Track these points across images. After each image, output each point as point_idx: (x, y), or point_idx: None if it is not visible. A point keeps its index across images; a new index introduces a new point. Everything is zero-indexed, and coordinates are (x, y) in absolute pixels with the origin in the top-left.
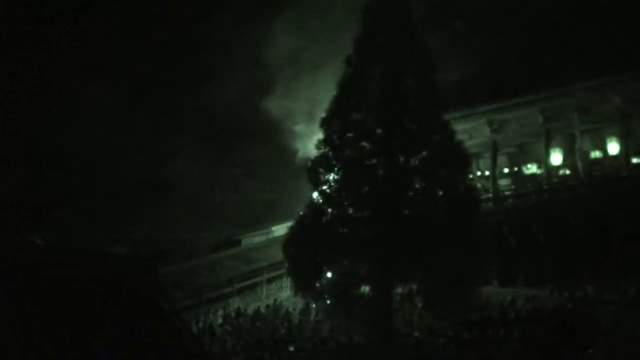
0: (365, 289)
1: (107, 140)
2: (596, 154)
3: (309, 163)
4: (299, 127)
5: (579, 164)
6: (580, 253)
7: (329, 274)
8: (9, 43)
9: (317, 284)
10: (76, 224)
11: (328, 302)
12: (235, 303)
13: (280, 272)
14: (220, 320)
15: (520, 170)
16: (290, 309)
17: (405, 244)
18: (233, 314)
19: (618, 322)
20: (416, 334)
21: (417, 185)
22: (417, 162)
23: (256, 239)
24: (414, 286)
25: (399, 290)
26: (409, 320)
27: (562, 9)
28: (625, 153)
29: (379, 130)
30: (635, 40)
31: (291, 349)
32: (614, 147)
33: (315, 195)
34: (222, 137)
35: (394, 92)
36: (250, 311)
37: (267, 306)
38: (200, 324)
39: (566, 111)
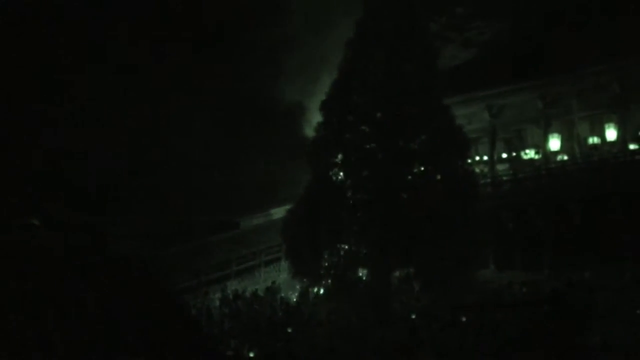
0: (363, 272)
1: (106, 121)
2: (594, 139)
3: (308, 146)
4: (303, 110)
5: (577, 150)
6: (578, 238)
7: (327, 257)
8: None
9: (315, 267)
10: (73, 207)
11: (326, 285)
12: (233, 285)
13: (278, 255)
14: (217, 303)
15: (518, 156)
16: (288, 292)
17: (404, 228)
18: (231, 296)
19: (614, 306)
20: (413, 317)
21: (416, 170)
22: (416, 146)
23: (255, 221)
24: (412, 270)
25: (397, 273)
26: (406, 304)
27: None
28: (622, 139)
29: (379, 114)
30: (635, 27)
31: (289, 330)
32: (611, 133)
33: (314, 178)
34: (226, 118)
35: (395, 76)
36: (248, 293)
37: (267, 288)
38: (198, 306)
39: (566, 97)
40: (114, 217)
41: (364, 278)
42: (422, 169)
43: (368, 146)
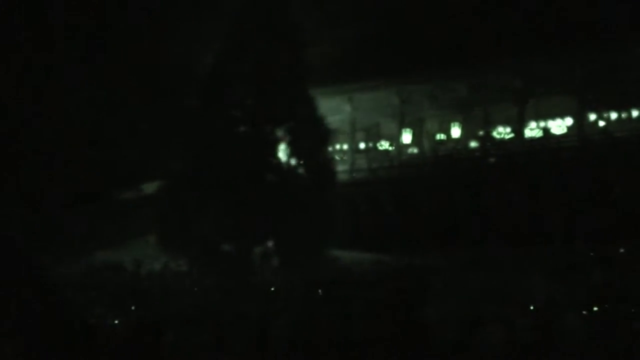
0: (227, 246)
1: None
2: (441, 136)
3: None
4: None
5: (426, 144)
6: (424, 223)
7: (194, 232)
8: None
9: (182, 241)
10: None
11: (191, 258)
12: (102, 257)
13: (148, 228)
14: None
15: (375, 147)
16: (155, 264)
17: (267, 208)
18: (98, 267)
19: (448, 286)
20: (272, 289)
21: (280, 154)
22: (282, 133)
23: (127, 195)
24: (272, 247)
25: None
26: (266, 279)
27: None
28: (465, 137)
29: (249, 101)
30: (480, 36)
31: (153, 300)
32: (456, 131)
33: (187, 157)
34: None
35: (266, 68)
36: (116, 265)
37: (135, 260)
38: (64, 275)
39: (418, 96)
40: None
41: (227, 252)
42: (287, 153)
43: (237, 130)
